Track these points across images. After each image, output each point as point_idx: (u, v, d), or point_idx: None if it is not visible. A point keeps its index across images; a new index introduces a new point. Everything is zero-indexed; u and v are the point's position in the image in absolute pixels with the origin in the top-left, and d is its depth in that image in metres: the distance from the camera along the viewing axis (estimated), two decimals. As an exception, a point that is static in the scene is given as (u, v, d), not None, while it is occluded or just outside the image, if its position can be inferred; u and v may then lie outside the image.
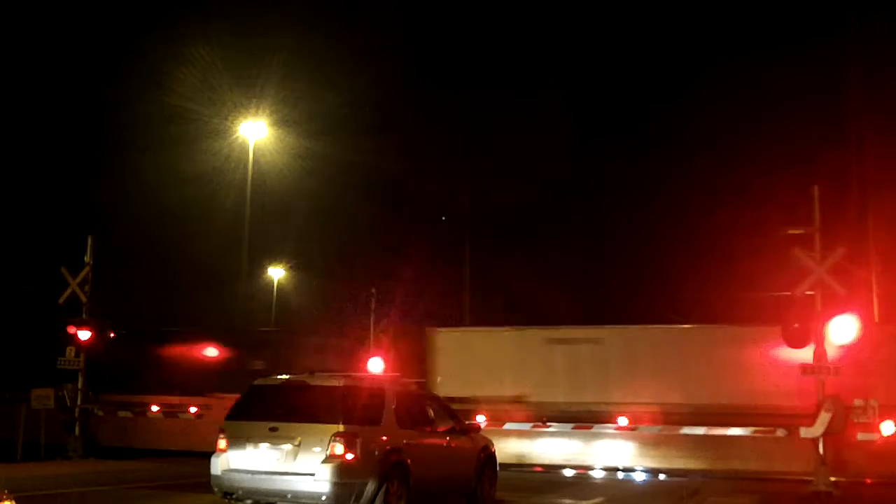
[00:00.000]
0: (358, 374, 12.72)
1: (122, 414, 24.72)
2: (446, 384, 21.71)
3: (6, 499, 6.66)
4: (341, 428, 10.98)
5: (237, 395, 12.91)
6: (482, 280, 39.27)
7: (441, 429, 13.27)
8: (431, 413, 13.27)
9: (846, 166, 28.28)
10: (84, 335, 21.36)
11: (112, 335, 22.22)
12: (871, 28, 29.99)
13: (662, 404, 20.90)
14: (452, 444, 13.36)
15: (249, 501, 11.60)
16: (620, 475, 20.87)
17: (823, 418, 17.04)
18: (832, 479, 17.02)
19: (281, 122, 33.17)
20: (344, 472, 10.88)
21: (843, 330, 17.40)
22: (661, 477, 20.57)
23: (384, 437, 11.64)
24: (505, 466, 15.95)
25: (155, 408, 24.84)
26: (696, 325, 23.45)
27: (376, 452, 11.32)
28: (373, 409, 11.76)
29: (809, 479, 17.06)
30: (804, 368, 17.22)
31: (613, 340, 22.04)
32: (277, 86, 33.95)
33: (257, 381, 12.52)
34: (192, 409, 24.10)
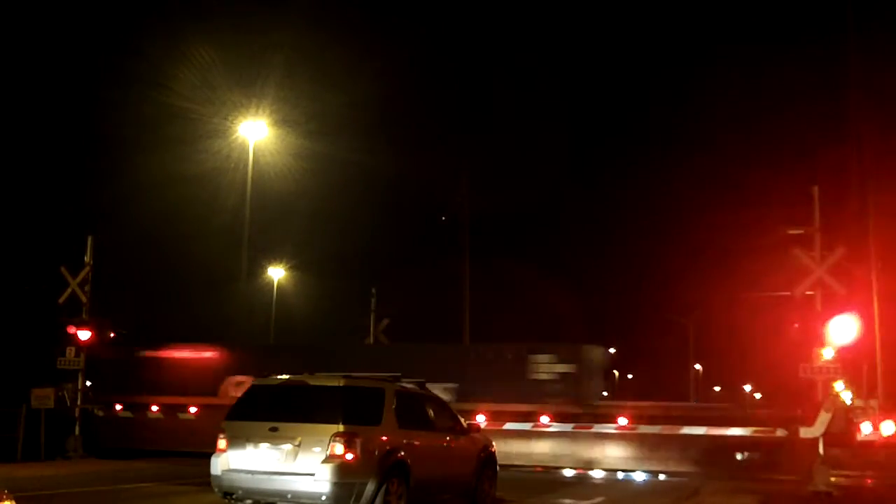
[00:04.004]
0: (358, 374, 12.68)
1: (123, 414, 24.76)
2: None
3: (6, 499, 6.63)
4: (341, 428, 10.97)
5: None
6: (482, 280, 39.27)
7: (441, 428, 13.26)
8: (431, 413, 13.25)
9: (846, 166, 28.28)
10: (84, 335, 21.36)
11: (112, 335, 22.24)
12: (871, 28, 29.98)
13: None
14: (452, 444, 13.36)
15: (249, 501, 11.58)
16: (620, 475, 20.87)
17: (823, 418, 17.05)
18: (832, 479, 17.03)
19: (281, 122, 33.14)
20: (344, 472, 10.88)
21: (843, 330, 17.33)
22: (661, 477, 20.58)
23: (384, 437, 11.63)
24: (505, 466, 15.94)
25: (155, 408, 24.83)
26: None
27: (376, 452, 11.31)
28: (373, 409, 11.75)
29: (809, 479, 17.05)
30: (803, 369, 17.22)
31: None
32: (277, 86, 33.92)
33: (257, 381, 12.49)
34: (192, 409, 24.11)
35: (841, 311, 17.43)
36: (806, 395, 17.80)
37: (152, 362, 25.14)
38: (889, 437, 18.77)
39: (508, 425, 21.61)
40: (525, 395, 21.94)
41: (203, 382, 23.85)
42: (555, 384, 21.87)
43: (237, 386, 22.59)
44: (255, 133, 32.31)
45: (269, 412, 11.57)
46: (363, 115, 42.77)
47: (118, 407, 24.74)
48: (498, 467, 14.51)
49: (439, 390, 22.66)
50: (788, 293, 17.81)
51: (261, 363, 23.84)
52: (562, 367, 22.08)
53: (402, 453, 11.73)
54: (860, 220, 27.10)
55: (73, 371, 21.92)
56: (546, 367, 22.11)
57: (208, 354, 25.11)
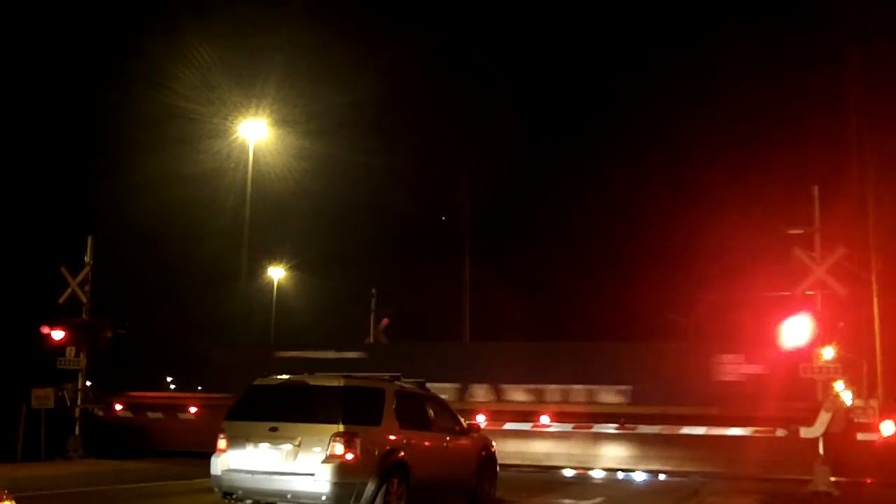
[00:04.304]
0: (357, 374, 12.68)
1: (123, 415, 24.76)
2: None
3: (6, 499, 6.64)
4: (341, 428, 10.97)
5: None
6: (483, 280, 39.27)
7: (441, 429, 13.26)
8: (431, 413, 13.25)
9: (846, 166, 28.29)
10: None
11: (110, 335, 22.21)
12: (871, 27, 29.98)
13: None
14: (452, 444, 13.36)
15: (249, 501, 11.58)
16: (620, 475, 20.86)
17: (823, 418, 17.04)
18: (832, 479, 17.01)
19: (281, 122, 33.15)
20: (344, 472, 10.88)
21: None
22: (661, 477, 20.57)
23: (384, 437, 11.63)
24: (505, 466, 15.93)
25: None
26: None
27: (376, 452, 11.31)
28: (373, 409, 11.75)
29: (809, 479, 17.05)
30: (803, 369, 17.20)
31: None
32: (277, 86, 33.95)
33: (257, 381, 12.47)
34: (192, 409, 24.09)
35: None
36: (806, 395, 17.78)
37: (292, 363, 24.87)
38: (889, 437, 18.72)
39: (508, 425, 21.58)
40: (711, 398, 20.68)
41: None
42: (743, 386, 20.80)
43: None
44: (255, 133, 32.29)
45: (269, 412, 11.56)
46: (363, 114, 42.86)
47: (118, 407, 24.73)
48: (498, 467, 14.52)
49: (612, 393, 22.27)
50: (788, 293, 17.78)
51: (400, 364, 23.58)
52: (750, 368, 21.11)
53: (402, 453, 11.73)
54: (860, 220, 27.09)
55: (72, 371, 21.90)
56: (733, 368, 21.21)
57: (352, 355, 24.61)
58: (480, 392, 23.41)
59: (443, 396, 23.00)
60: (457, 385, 23.48)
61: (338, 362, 23.76)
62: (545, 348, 25.12)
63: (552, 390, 22.84)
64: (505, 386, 23.15)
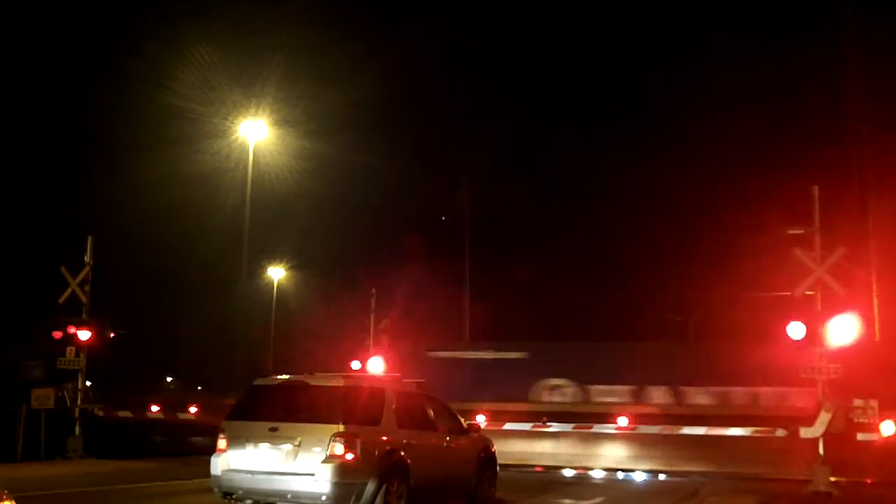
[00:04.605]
0: (358, 374, 12.69)
1: (122, 414, 24.78)
2: None
3: (6, 499, 6.64)
4: (341, 428, 10.98)
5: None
6: (483, 280, 39.25)
7: (441, 429, 13.27)
8: (431, 413, 13.26)
9: (846, 166, 28.25)
10: (84, 335, 21.34)
11: (112, 335, 22.22)
12: (871, 27, 29.97)
13: None
14: (452, 444, 13.36)
15: (249, 501, 11.59)
16: (620, 475, 20.86)
17: (823, 418, 17.04)
18: (832, 479, 17.02)
19: (281, 122, 33.11)
20: (344, 472, 10.88)
21: (842, 330, 17.25)
22: (661, 477, 20.58)
23: (384, 437, 11.64)
24: (505, 466, 15.94)
25: (155, 408, 24.86)
26: None
27: (376, 452, 11.32)
28: (373, 409, 11.76)
29: (809, 479, 17.05)
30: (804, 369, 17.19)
31: None
32: (277, 86, 33.91)
33: (257, 381, 12.48)
34: (192, 409, 24.12)
35: (841, 310, 17.33)
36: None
37: (449, 365, 23.62)
38: (889, 437, 18.71)
39: (508, 425, 21.57)
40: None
41: (510, 386, 22.30)
42: None
43: (552, 390, 21.61)
44: (255, 133, 32.26)
45: (269, 412, 11.57)
46: (364, 114, 42.84)
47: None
48: (498, 467, 14.52)
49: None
50: (788, 293, 17.78)
51: (563, 365, 22.53)
52: None
53: (402, 453, 11.74)
54: (860, 220, 27.07)
55: (73, 371, 21.90)
56: None
57: (514, 356, 23.67)
58: (657, 395, 22.42)
59: (613, 399, 22.41)
60: (631, 387, 22.61)
61: (498, 363, 23.15)
62: (728, 350, 23.87)
63: (740, 393, 22.00)
64: (686, 388, 22.19)
